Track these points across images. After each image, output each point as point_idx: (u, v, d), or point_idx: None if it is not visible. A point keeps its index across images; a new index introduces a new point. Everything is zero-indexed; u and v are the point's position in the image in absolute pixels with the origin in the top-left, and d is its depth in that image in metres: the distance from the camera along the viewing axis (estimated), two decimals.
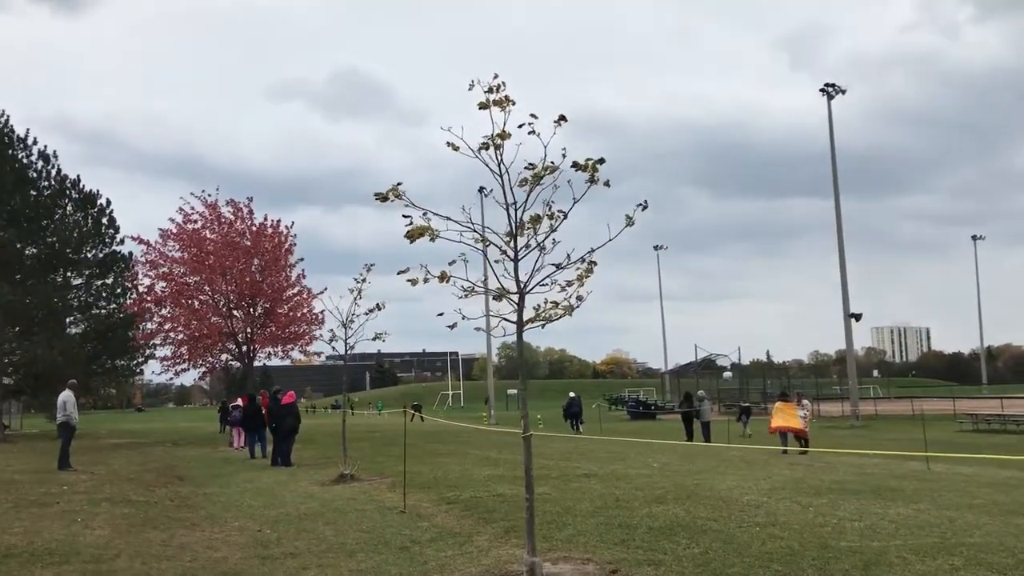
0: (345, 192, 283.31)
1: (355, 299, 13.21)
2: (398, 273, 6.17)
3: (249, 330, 35.46)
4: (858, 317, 39.00)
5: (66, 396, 16.63)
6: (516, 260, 5.96)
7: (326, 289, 32.46)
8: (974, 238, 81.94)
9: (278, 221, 36.67)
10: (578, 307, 6.16)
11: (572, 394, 36.14)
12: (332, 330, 13.71)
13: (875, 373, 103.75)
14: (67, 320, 32.23)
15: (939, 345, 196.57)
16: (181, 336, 34.49)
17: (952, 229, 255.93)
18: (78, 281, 32.81)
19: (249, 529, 8.65)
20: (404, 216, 5.79)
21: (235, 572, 6.55)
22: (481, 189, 32.82)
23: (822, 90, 41.42)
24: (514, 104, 5.87)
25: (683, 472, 12.86)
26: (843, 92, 41.14)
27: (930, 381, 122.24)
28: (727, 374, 60.95)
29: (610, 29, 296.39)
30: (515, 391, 54.76)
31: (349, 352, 13.74)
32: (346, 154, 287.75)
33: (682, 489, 10.65)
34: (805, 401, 22.93)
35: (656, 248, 74.60)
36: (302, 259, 36.93)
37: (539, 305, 6.08)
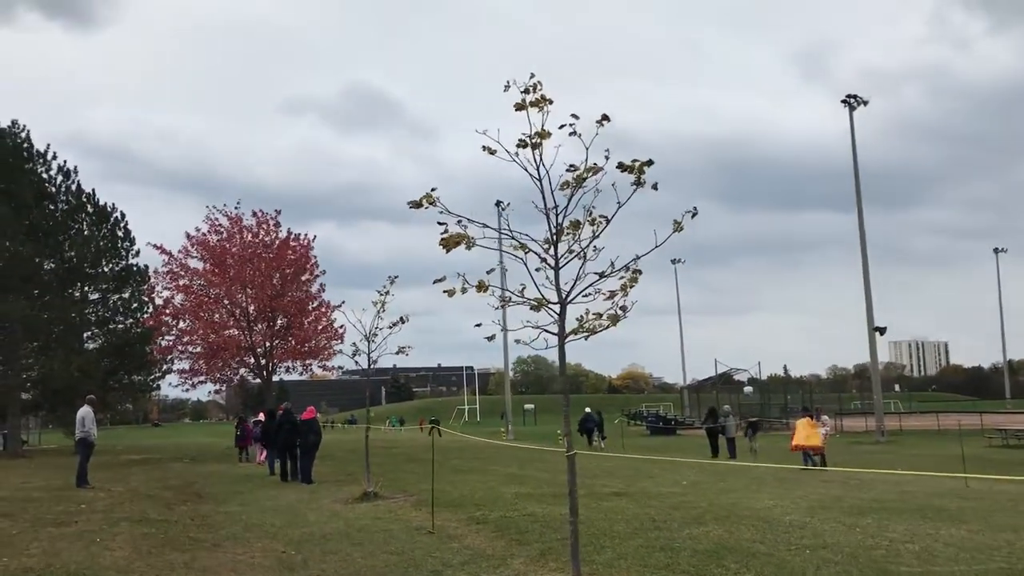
0: (357, 206, 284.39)
1: (378, 312, 12.86)
2: (434, 282, 5.87)
3: (268, 343, 34.94)
4: (882, 331, 38.21)
5: (84, 412, 16.37)
6: (557, 268, 5.75)
7: (344, 302, 32.12)
8: (996, 251, 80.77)
9: (302, 235, 36.79)
10: (624, 317, 5.88)
11: (587, 409, 35.58)
12: (355, 344, 13.41)
13: (896, 387, 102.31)
14: (84, 335, 32.08)
15: (957, 359, 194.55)
16: (199, 348, 34.17)
17: (967, 243, 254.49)
18: (95, 296, 32.70)
19: (273, 550, 8.31)
20: (439, 224, 5.56)
21: None
22: (499, 203, 32.38)
23: (844, 101, 40.96)
24: (551, 103, 5.65)
25: (715, 490, 12.45)
26: (865, 103, 40.64)
27: (951, 396, 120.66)
28: (748, 389, 59.62)
29: (617, 41, 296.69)
30: (532, 406, 54.26)
31: (364, 368, 13.43)
32: (358, 167, 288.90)
33: (719, 508, 10.24)
34: (825, 417, 22.43)
35: (673, 262, 73.69)
36: (324, 271, 36.52)
37: (582, 315, 5.83)
